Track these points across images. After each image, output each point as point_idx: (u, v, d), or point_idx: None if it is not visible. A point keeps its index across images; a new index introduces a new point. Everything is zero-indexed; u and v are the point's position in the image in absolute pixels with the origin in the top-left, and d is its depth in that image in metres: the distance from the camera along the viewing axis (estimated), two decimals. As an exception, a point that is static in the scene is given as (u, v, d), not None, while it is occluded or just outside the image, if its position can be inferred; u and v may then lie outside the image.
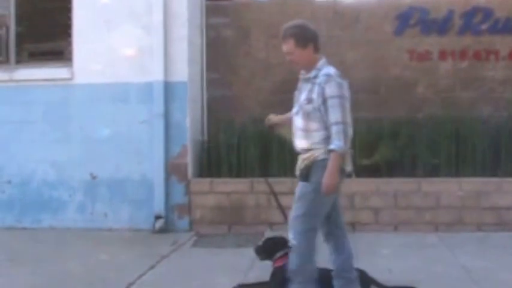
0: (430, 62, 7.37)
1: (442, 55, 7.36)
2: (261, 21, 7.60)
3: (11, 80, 7.21)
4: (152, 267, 5.37)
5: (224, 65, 7.51)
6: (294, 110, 4.09)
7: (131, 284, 4.88)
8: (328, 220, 4.05)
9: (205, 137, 7.29)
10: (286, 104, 7.12)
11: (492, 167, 6.72)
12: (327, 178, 3.77)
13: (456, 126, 6.81)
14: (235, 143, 6.89)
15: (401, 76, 7.40)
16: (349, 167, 3.94)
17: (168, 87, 6.80)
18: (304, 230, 3.89)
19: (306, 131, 3.94)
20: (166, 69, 6.79)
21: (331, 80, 3.86)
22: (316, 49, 4.01)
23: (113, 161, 6.94)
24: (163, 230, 6.71)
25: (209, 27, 7.51)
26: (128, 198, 6.92)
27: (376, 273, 4.47)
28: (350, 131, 3.85)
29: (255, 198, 6.68)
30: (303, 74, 4.05)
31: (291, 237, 3.93)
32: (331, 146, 3.78)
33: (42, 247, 6.17)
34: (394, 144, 6.83)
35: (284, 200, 6.54)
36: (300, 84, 4.09)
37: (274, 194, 4.83)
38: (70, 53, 7.13)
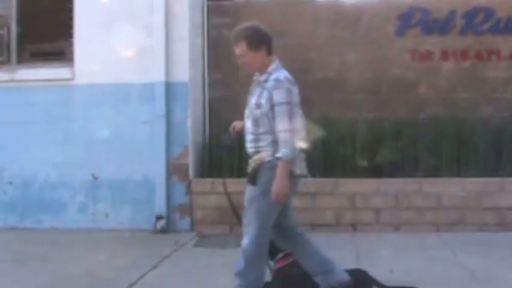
0: (431, 62, 7.36)
1: (444, 55, 7.35)
2: (262, 21, 7.49)
3: (12, 80, 7.21)
4: (154, 267, 5.37)
5: (225, 66, 7.49)
6: (246, 113, 4.10)
7: (133, 284, 4.89)
8: (281, 222, 4.06)
9: (207, 138, 7.29)
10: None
11: (494, 167, 6.70)
12: (276, 187, 3.79)
13: (458, 127, 6.81)
14: (236, 143, 6.88)
15: (402, 76, 7.39)
16: (299, 170, 3.95)
17: (170, 88, 6.80)
18: (256, 234, 3.91)
19: (255, 135, 3.96)
20: (168, 70, 6.78)
21: (280, 86, 3.84)
22: (270, 52, 4.00)
23: (114, 162, 6.93)
24: (165, 231, 6.71)
25: (210, 27, 7.50)
26: (129, 199, 6.92)
27: (377, 273, 4.47)
28: (300, 135, 3.83)
29: (256, 199, 6.66)
30: (256, 76, 4.04)
31: (244, 240, 3.93)
32: (279, 154, 3.79)
33: (44, 247, 6.17)
34: (396, 144, 6.82)
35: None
36: (252, 87, 4.08)
37: (228, 196, 4.82)
38: (71, 53, 7.13)
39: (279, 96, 3.82)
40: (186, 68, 6.84)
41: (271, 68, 3.96)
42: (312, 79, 7.39)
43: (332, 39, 7.48)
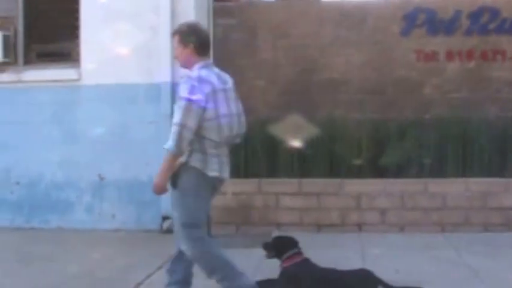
0: (436, 63, 7.37)
1: (449, 55, 7.35)
2: (268, 22, 7.62)
3: (19, 81, 7.25)
4: (160, 267, 5.38)
5: (231, 66, 7.45)
6: None
7: (139, 283, 4.92)
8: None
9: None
10: (292, 105, 7.16)
11: (499, 167, 6.70)
12: (155, 178, 3.83)
13: (463, 127, 6.80)
14: (242, 143, 6.89)
15: (408, 77, 7.40)
16: (215, 173, 3.91)
17: (175, 88, 6.79)
18: (188, 233, 3.97)
19: None
20: (174, 70, 6.79)
21: (187, 81, 3.86)
22: (199, 52, 4.01)
23: (120, 162, 6.96)
24: (171, 231, 6.69)
25: (216, 28, 7.51)
26: (135, 199, 6.94)
27: (382, 273, 4.47)
28: (188, 135, 3.77)
29: (262, 199, 6.69)
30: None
31: (184, 247, 3.97)
32: (165, 146, 3.81)
33: (50, 247, 6.20)
34: (401, 145, 6.83)
35: (290, 201, 6.64)
36: None
37: None
38: (77, 54, 7.16)
39: (182, 91, 3.83)
40: (192, 69, 6.85)
41: (195, 67, 3.98)
42: (317, 79, 7.40)
43: (337, 40, 7.49)
